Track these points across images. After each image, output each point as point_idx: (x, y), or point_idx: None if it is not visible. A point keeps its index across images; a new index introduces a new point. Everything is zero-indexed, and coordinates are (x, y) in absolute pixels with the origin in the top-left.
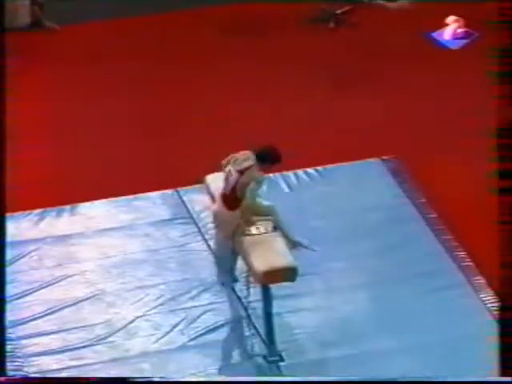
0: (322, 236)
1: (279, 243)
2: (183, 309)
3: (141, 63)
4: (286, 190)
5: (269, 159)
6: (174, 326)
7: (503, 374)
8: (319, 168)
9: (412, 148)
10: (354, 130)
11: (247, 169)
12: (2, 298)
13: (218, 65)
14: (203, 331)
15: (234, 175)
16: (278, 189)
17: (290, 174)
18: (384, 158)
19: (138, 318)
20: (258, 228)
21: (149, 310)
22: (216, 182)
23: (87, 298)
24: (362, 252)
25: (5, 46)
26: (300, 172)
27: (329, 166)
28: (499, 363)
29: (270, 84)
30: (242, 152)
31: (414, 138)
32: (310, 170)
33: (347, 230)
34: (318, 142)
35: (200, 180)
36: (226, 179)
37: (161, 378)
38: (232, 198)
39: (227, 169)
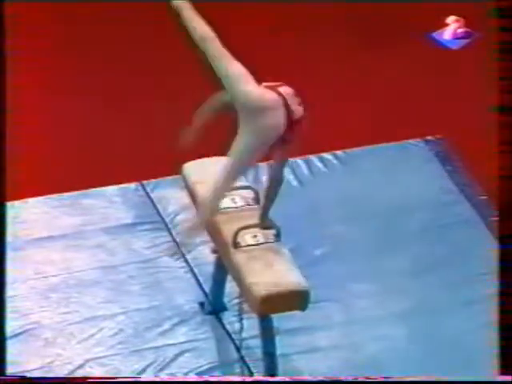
0: (343, 247)
1: (284, 258)
2: (151, 348)
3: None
4: (295, 183)
5: None
6: (140, 373)
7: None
8: (339, 152)
9: (467, 126)
10: (386, 101)
11: None
12: (3, 297)
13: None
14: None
15: None
16: (284, 183)
17: (300, 161)
18: (428, 138)
19: (88, 361)
20: (255, 237)
21: (103, 351)
22: (196, 172)
23: (17, 334)
24: (399, 269)
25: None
26: (313, 158)
27: (353, 150)
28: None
29: (273, 52)
30: None
31: (468, 113)
32: (328, 156)
33: (378, 238)
34: (337, 117)
35: (174, 170)
36: None
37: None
38: None
39: None
